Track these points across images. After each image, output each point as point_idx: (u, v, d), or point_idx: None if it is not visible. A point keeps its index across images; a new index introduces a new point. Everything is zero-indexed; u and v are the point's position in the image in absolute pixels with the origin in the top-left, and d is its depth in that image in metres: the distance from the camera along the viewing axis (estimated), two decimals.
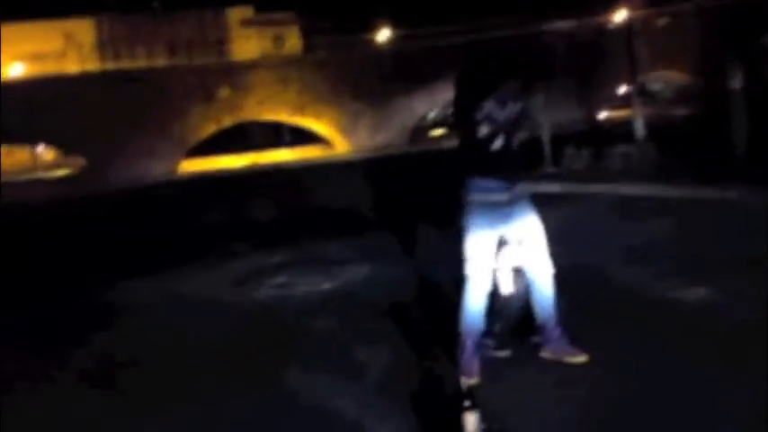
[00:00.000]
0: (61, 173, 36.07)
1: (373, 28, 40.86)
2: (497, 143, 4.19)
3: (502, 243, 4.40)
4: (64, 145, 33.60)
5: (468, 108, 4.20)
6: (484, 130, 4.17)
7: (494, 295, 4.44)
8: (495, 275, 4.43)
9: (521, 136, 4.28)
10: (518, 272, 4.50)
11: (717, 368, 4.07)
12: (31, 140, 35.46)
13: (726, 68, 12.19)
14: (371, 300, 6.34)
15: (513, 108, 4.20)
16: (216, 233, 11.71)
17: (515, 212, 4.31)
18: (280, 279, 7.56)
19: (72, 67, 41.45)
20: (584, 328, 4.61)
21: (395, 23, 40.13)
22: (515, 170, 4.32)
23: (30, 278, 9.03)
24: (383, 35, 40.84)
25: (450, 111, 47.38)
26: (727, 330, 4.68)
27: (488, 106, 4.14)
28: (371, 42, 40.68)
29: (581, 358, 4.30)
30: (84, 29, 45.09)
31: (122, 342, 6.02)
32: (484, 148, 4.20)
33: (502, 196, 4.27)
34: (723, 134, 11.82)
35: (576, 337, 4.42)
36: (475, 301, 4.31)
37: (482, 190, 4.29)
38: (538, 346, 4.47)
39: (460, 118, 4.32)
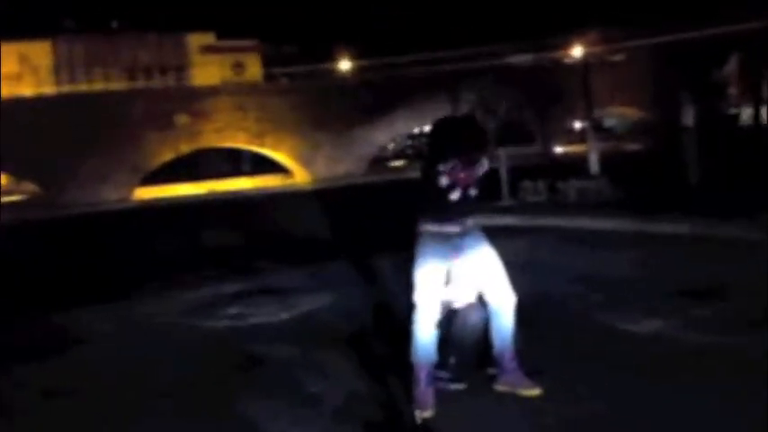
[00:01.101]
0: (12, 199, 35.40)
1: (335, 58, 41.10)
2: (455, 195, 4.24)
3: (455, 276, 4.41)
4: (17, 170, 32.96)
5: (437, 158, 4.25)
6: (444, 182, 4.22)
7: (447, 327, 4.42)
8: (444, 307, 4.41)
9: (477, 188, 4.34)
10: (472, 304, 4.49)
11: (673, 396, 4.11)
12: None
13: (679, 104, 12.49)
14: (328, 330, 6.28)
15: (476, 170, 4.26)
16: (170, 262, 11.54)
17: (467, 244, 4.34)
18: (235, 309, 7.46)
19: (28, 89, 40.92)
20: (540, 360, 4.61)
21: (356, 54, 40.43)
22: (468, 213, 4.37)
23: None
24: (344, 65, 41.09)
25: (408, 142, 47.53)
26: (681, 358, 4.75)
27: (454, 162, 4.19)
28: (333, 72, 40.89)
29: (536, 391, 4.29)
30: (40, 51, 44.66)
31: (72, 368, 5.87)
32: (442, 197, 4.25)
33: (453, 228, 4.30)
34: (676, 169, 12.08)
35: (531, 369, 4.41)
36: (424, 333, 4.29)
37: (434, 222, 4.32)
38: (493, 378, 4.45)
39: (428, 164, 4.35)
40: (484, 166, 4.30)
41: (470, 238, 4.35)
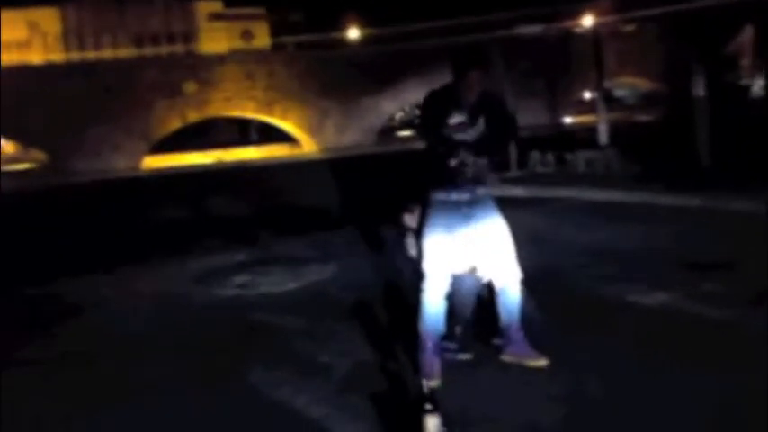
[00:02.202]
0: (21, 167, 35.49)
1: (343, 26, 40.81)
2: (457, 160, 4.18)
3: (464, 244, 4.35)
4: (25, 138, 32.99)
5: (432, 125, 4.20)
6: (444, 147, 4.18)
7: (453, 297, 4.41)
8: (453, 277, 4.37)
9: (484, 151, 4.25)
10: (476, 273, 4.45)
11: (681, 370, 4.11)
12: None
13: (690, 75, 12.35)
14: (335, 299, 6.30)
15: (474, 130, 4.18)
16: (178, 230, 11.57)
17: (476, 213, 4.27)
18: (242, 278, 7.48)
19: (36, 56, 40.84)
20: (546, 331, 4.61)
21: (365, 22, 40.14)
22: (476, 180, 4.27)
23: None
24: (353, 34, 40.81)
25: (416, 112, 47.50)
26: (685, 331, 4.75)
27: (451, 126, 4.14)
28: (341, 41, 40.62)
29: (542, 362, 4.30)
30: (49, 18, 44.48)
31: (78, 336, 5.93)
32: (444, 163, 4.20)
33: (462, 196, 4.24)
34: (686, 140, 11.99)
35: (537, 340, 4.41)
36: (433, 303, 4.28)
37: (443, 191, 4.27)
38: (499, 349, 4.46)
39: (425, 133, 4.32)
40: (488, 120, 4.19)
41: (480, 207, 4.28)
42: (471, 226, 4.27)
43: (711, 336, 4.62)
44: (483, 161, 4.26)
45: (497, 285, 4.37)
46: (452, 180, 4.22)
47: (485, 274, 4.38)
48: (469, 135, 4.17)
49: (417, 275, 4.37)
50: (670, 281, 5.84)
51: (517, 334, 4.37)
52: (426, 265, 4.29)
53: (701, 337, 4.61)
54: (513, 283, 4.35)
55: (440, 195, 4.27)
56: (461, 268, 4.42)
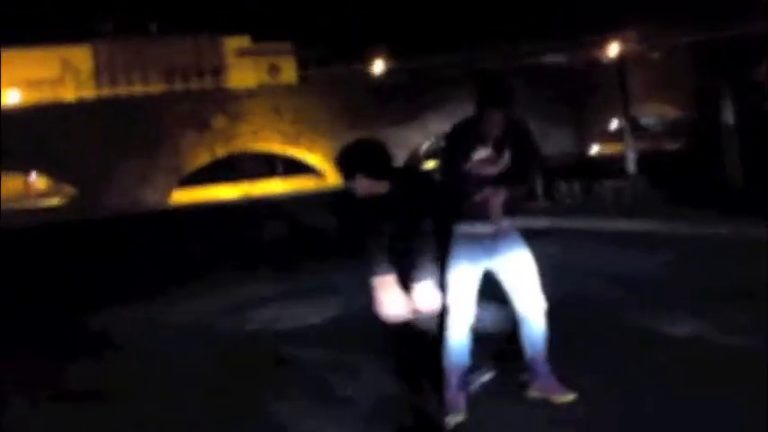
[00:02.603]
0: (53, 202, 36.00)
1: (369, 59, 41.12)
2: (482, 195, 4.12)
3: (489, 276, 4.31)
4: (57, 173, 33.52)
5: (457, 162, 4.15)
6: (469, 184, 4.12)
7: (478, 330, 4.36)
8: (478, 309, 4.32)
9: (510, 183, 4.16)
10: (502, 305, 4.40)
11: (708, 401, 4.01)
12: (25, 168, 35.37)
13: (718, 103, 12.27)
14: (361, 332, 6.25)
15: (500, 163, 4.13)
16: (205, 263, 11.64)
17: (500, 246, 4.21)
18: (269, 311, 7.50)
19: (69, 93, 41.56)
20: (574, 364, 4.54)
21: (391, 54, 40.41)
22: (501, 213, 4.19)
23: (20, 304, 8.93)
24: (378, 66, 41.11)
25: (442, 143, 47.71)
26: (718, 363, 4.64)
27: (476, 161, 4.10)
28: (367, 73, 40.92)
29: (569, 397, 4.22)
30: (81, 55, 45.28)
31: (109, 369, 5.98)
32: (469, 198, 4.14)
33: (486, 229, 4.18)
34: (716, 168, 11.86)
35: (564, 374, 4.34)
36: (457, 336, 4.23)
37: (466, 223, 4.22)
38: (525, 383, 4.39)
39: (449, 169, 4.25)
40: (512, 153, 4.12)
41: (505, 239, 4.22)
42: (495, 258, 4.22)
43: (739, 366, 4.51)
44: (508, 193, 4.18)
45: (521, 317, 4.31)
46: (477, 214, 4.17)
47: (514, 304, 4.32)
48: (494, 169, 4.13)
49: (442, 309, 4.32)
50: (698, 310, 5.74)
51: (543, 367, 4.30)
52: (450, 299, 4.23)
53: (728, 368, 4.50)
54: (538, 315, 4.28)
55: (463, 228, 4.23)
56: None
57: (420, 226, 4.06)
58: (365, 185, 4.08)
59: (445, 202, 4.26)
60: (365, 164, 4.06)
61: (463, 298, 4.22)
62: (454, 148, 4.21)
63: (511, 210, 4.24)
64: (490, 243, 4.20)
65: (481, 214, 4.15)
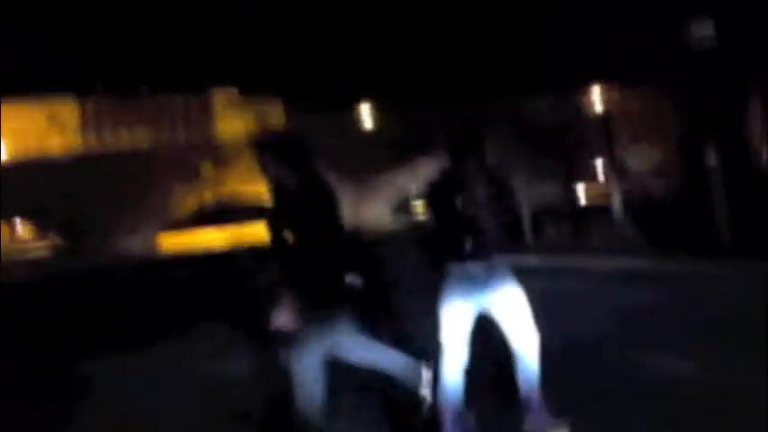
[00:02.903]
0: (38, 252, 35.76)
1: (356, 106, 41.50)
2: (469, 237, 4.20)
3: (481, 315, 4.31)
4: (43, 223, 33.42)
5: (440, 204, 4.27)
6: (456, 229, 4.20)
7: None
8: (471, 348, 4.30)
9: (496, 221, 4.25)
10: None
11: None
12: (10, 217, 35.26)
13: (702, 146, 12.40)
14: (351, 373, 6.20)
15: (482, 207, 4.20)
16: (193, 309, 11.53)
17: (492, 283, 4.24)
18: (257, 354, 7.41)
19: (55, 145, 41.60)
20: (567, 402, 4.50)
21: (378, 105, 40.81)
22: (490, 252, 4.26)
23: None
24: (366, 113, 41.45)
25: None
26: (709, 400, 4.62)
27: (458, 208, 4.18)
28: (355, 120, 41.26)
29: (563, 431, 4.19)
30: (67, 108, 45.39)
31: (99, 418, 5.86)
32: (456, 241, 4.21)
33: (478, 267, 4.21)
34: (701, 209, 11.94)
35: (557, 409, 4.31)
36: (451, 375, 4.21)
37: (457, 263, 4.25)
38: (520, 419, 4.34)
39: (434, 210, 4.37)
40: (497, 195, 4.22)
41: (496, 275, 4.25)
42: (488, 295, 4.24)
43: (735, 404, 4.48)
44: (494, 234, 4.24)
45: (515, 354, 4.30)
46: (466, 255, 4.21)
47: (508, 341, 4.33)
48: (478, 213, 4.18)
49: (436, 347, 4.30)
50: (690, 348, 5.73)
51: (537, 404, 4.27)
52: (443, 336, 4.23)
53: (726, 408, 4.47)
54: (532, 351, 4.28)
55: (455, 267, 4.25)
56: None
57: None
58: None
59: (436, 242, 4.32)
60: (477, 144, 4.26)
61: (457, 336, 4.21)
62: (438, 196, 4.31)
63: (498, 247, 4.29)
64: (483, 280, 4.22)
65: (470, 254, 4.19)
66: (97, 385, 6.98)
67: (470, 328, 4.26)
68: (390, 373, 4.39)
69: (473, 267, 4.22)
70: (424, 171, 37.04)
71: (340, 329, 4.20)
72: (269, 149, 4.36)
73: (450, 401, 4.21)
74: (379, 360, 4.40)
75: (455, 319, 4.21)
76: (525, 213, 14.35)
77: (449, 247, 4.27)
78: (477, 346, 4.40)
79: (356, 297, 4.35)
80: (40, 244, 37.38)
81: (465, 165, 4.20)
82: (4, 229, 39.51)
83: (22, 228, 39.48)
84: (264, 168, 4.36)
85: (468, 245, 4.19)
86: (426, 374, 4.32)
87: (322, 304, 4.10)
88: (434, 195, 4.35)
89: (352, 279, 4.31)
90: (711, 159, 12.20)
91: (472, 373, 4.34)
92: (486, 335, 4.53)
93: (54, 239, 35.08)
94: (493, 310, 4.28)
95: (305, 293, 4.12)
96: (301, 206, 4.14)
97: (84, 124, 46.22)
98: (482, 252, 4.22)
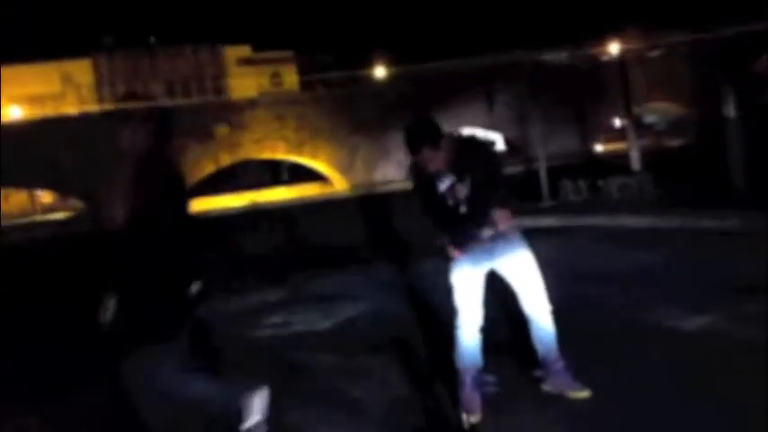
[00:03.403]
0: (59, 216, 36.12)
1: (370, 65, 41.23)
2: (462, 209, 4.21)
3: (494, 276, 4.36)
4: (62, 187, 33.62)
5: (427, 197, 4.27)
6: (447, 203, 4.22)
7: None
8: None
9: (485, 197, 4.21)
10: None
11: (720, 398, 4.01)
12: (29, 185, 35.49)
13: (719, 97, 12.26)
14: (371, 336, 6.29)
15: (465, 185, 4.19)
16: (213, 272, 11.63)
17: (500, 248, 4.26)
18: (278, 317, 7.51)
19: (71, 107, 41.73)
20: (585, 360, 4.55)
21: (392, 60, 40.51)
22: (490, 222, 4.22)
23: (21, 320, 8.95)
24: (379, 72, 41.20)
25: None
26: (729, 357, 4.64)
27: (442, 192, 4.20)
28: (368, 78, 41.00)
29: (584, 393, 4.23)
30: (81, 69, 45.50)
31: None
32: (451, 214, 4.23)
33: (483, 234, 4.24)
34: (720, 163, 11.85)
35: (577, 371, 4.35)
36: (468, 337, 4.28)
37: (462, 235, 4.28)
38: (540, 379, 4.41)
39: (424, 204, 4.34)
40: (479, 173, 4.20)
41: (505, 241, 4.27)
42: (497, 260, 4.29)
43: (755, 358, 4.51)
44: (490, 205, 4.23)
45: (528, 317, 4.37)
46: (471, 224, 4.24)
47: (522, 306, 4.38)
48: (462, 193, 4.20)
49: (451, 310, 4.36)
50: (709, 304, 5.74)
51: (556, 364, 4.32)
52: (457, 300, 4.31)
53: (745, 361, 4.51)
54: (544, 315, 4.34)
55: (460, 237, 4.29)
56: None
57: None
58: (431, 157, 4.17)
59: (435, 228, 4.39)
60: (429, 137, 4.20)
61: (470, 300, 4.29)
62: (420, 186, 4.32)
63: (500, 215, 4.24)
64: (490, 246, 4.26)
65: (476, 223, 4.23)
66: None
67: (482, 291, 4.32)
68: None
69: (478, 238, 4.25)
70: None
71: None
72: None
73: (468, 363, 4.27)
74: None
75: (467, 283, 4.28)
76: (542, 171, 14.32)
77: (448, 234, 4.32)
78: (491, 308, 4.45)
79: None
80: (60, 209, 37.71)
81: (423, 160, 4.19)
82: (25, 195, 39.88)
83: (42, 194, 39.86)
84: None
85: (465, 229, 4.23)
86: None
87: None
88: (418, 188, 4.35)
89: None
90: (729, 110, 12.07)
91: (488, 334, 4.38)
92: (501, 297, 4.59)
93: (74, 204, 35.36)
94: (503, 274, 4.35)
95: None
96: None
97: (99, 83, 46.32)
98: (482, 226, 4.23)
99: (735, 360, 4.55)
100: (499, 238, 4.24)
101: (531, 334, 4.39)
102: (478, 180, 4.19)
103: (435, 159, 4.17)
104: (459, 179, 4.19)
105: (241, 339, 6.90)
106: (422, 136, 4.20)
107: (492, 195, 4.24)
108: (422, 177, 4.27)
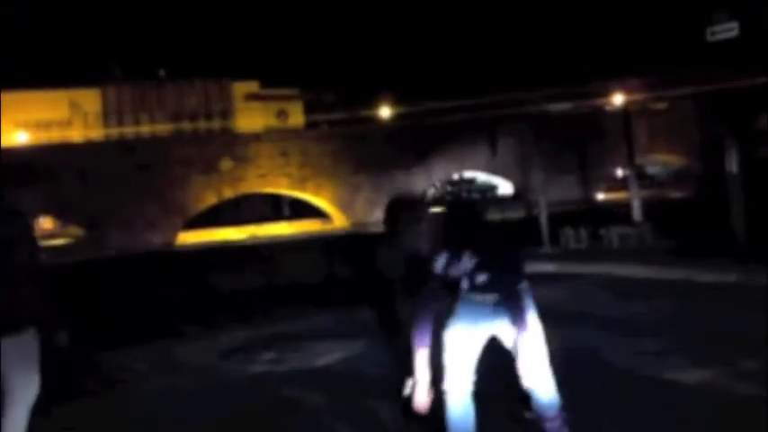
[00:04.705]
0: (59, 242, 36.06)
1: (375, 105, 41.56)
2: (464, 283, 3.91)
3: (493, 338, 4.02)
4: (63, 214, 33.64)
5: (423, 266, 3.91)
6: (448, 278, 3.91)
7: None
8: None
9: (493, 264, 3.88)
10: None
11: None
12: (31, 208, 35.51)
13: (722, 152, 12.30)
14: (361, 377, 6.22)
15: (467, 259, 3.86)
16: (210, 305, 11.59)
17: (503, 311, 3.90)
18: (271, 353, 7.43)
19: (77, 134, 41.99)
20: (582, 412, 4.48)
21: (397, 101, 40.84)
22: (498, 283, 3.87)
23: None
24: (384, 112, 41.50)
25: (448, 188, 47.50)
26: (728, 413, 4.58)
27: (439, 270, 3.89)
28: (372, 118, 41.30)
29: None
30: (89, 98, 45.81)
31: (106, 410, 5.91)
32: (454, 287, 3.93)
33: (486, 298, 3.91)
34: (721, 217, 11.85)
35: (574, 423, 4.26)
36: (458, 404, 3.92)
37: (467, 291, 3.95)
38: (530, 422, 4.20)
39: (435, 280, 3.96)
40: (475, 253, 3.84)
41: (509, 303, 3.88)
42: (497, 323, 3.93)
43: (749, 414, 4.45)
44: (495, 268, 3.88)
45: (529, 389, 4.02)
46: (476, 288, 3.92)
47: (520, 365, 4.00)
48: (463, 265, 3.86)
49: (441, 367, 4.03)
50: (708, 358, 5.69)
51: (554, 421, 4.03)
52: (446, 360, 3.93)
53: (738, 416, 4.45)
54: (546, 388, 3.99)
55: (465, 293, 3.96)
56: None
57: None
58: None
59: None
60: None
61: (461, 362, 3.93)
62: (419, 269, 3.93)
63: (507, 276, 3.93)
64: (492, 306, 3.91)
65: (480, 288, 3.90)
66: (109, 376, 7.01)
67: (477, 354, 3.98)
68: None
69: (483, 297, 3.91)
70: (439, 173, 37.12)
71: None
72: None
73: (458, 429, 3.93)
74: None
75: (459, 342, 3.94)
76: (543, 218, 14.32)
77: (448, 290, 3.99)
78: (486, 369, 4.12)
79: None
80: (60, 236, 37.68)
81: (419, 233, 3.85)
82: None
83: (42, 219, 39.85)
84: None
85: (472, 288, 3.90)
86: None
87: None
88: (418, 270, 3.94)
89: None
90: (732, 166, 12.11)
91: (482, 397, 4.06)
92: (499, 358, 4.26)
93: (72, 232, 35.33)
94: (503, 339, 4.00)
95: None
96: None
97: (106, 112, 46.62)
98: (488, 287, 3.89)
99: (733, 416, 4.49)
100: (504, 300, 3.89)
101: (533, 401, 4.05)
102: (481, 252, 3.84)
103: (423, 234, 3.83)
104: (455, 255, 3.86)
105: (233, 374, 6.83)
106: (403, 211, 3.89)
107: (501, 264, 3.88)
108: (409, 262, 3.91)
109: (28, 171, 29.27)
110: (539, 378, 3.98)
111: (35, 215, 38.60)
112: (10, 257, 3.95)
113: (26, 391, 4.07)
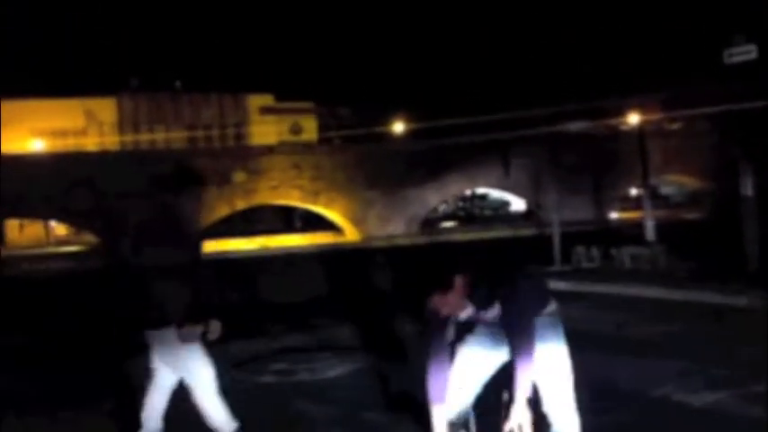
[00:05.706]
0: (72, 249, 36.27)
1: (389, 121, 41.67)
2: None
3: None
4: (77, 221, 33.83)
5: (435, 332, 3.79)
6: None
7: None
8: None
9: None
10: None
11: None
12: (46, 215, 35.75)
13: (737, 175, 12.27)
14: (375, 389, 6.21)
15: (491, 312, 3.74)
16: (221, 315, 11.60)
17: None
18: (281, 365, 7.44)
19: (92, 143, 42.28)
20: None
21: (410, 117, 40.93)
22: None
23: (39, 348, 8.97)
24: (398, 128, 41.60)
25: (460, 204, 47.32)
26: None
27: (464, 322, 3.80)
28: (386, 134, 41.40)
29: None
30: (105, 107, 46.14)
31: (116, 418, 5.92)
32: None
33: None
34: (734, 240, 11.80)
35: None
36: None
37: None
38: None
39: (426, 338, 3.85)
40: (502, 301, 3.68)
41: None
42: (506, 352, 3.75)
43: None
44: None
45: (550, 422, 3.88)
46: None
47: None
48: (489, 316, 3.75)
49: None
50: (718, 381, 5.66)
51: None
52: (452, 378, 3.81)
53: None
54: (569, 423, 3.84)
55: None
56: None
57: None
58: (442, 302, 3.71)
59: None
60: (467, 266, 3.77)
61: (466, 381, 3.84)
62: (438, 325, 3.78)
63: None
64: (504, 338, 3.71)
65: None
66: (121, 383, 7.03)
67: (484, 378, 3.87)
68: None
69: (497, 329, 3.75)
70: (454, 188, 37.05)
71: None
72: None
73: None
74: None
75: (469, 362, 3.85)
76: (556, 237, 14.32)
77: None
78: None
79: None
80: (73, 243, 37.88)
81: (438, 300, 3.67)
82: (41, 227, 40.13)
83: (56, 226, 40.10)
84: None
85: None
86: None
87: None
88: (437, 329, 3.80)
89: None
90: (747, 189, 12.07)
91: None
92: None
93: (86, 239, 35.50)
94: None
95: None
96: None
97: (121, 122, 46.97)
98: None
99: None
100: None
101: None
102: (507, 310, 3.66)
103: (448, 303, 3.66)
104: (484, 309, 3.71)
105: (243, 384, 6.84)
106: (461, 264, 3.70)
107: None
108: (431, 324, 3.75)
109: (44, 178, 29.53)
110: (561, 418, 3.83)
111: (49, 221, 38.89)
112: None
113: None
